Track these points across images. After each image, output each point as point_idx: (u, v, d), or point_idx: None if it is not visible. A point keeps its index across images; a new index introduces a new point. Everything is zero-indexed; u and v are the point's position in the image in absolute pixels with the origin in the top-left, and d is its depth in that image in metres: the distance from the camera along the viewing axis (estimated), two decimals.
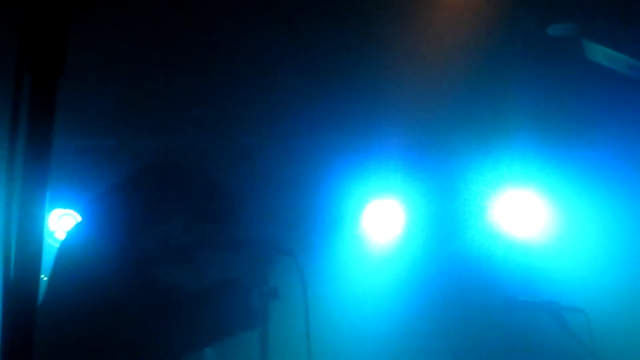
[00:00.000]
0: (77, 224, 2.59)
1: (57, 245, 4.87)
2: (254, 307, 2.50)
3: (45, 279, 2.40)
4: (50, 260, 2.40)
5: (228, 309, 2.46)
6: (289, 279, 2.61)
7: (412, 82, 3.99)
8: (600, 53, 3.72)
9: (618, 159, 4.50)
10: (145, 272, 2.44)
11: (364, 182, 4.78)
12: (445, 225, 4.82)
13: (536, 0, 3.51)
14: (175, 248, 2.54)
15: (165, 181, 2.60)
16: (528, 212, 4.69)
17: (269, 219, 4.50)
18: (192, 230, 2.56)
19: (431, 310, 4.71)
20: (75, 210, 4.76)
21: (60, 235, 4.73)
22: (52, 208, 4.75)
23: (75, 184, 4.65)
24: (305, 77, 4.14)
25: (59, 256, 2.44)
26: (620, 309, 4.32)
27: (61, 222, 4.75)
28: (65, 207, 4.75)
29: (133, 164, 4.68)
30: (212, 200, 2.62)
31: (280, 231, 4.67)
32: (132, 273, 2.36)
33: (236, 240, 2.62)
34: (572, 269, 4.52)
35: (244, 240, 2.61)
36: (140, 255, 2.44)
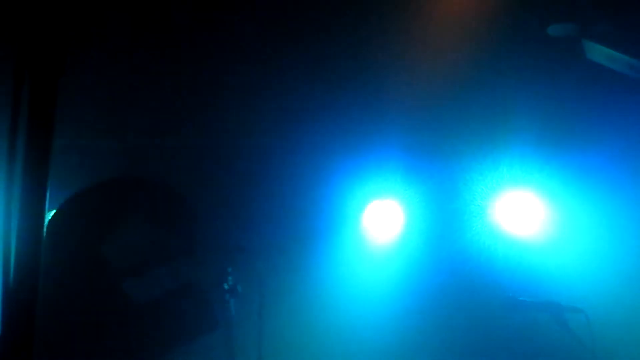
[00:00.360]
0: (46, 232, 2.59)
1: None
2: (212, 309, 2.51)
3: None
4: None
5: (185, 314, 2.47)
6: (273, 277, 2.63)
7: (412, 83, 3.99)
8: (600, 53, 3.72)
9: (618, 158, 4.50)
10: (104, 280, 2.44)
11: (364, 182, 4.78)
12: (444, 225, 4.81)
13: (536, 0, 3.50)
14: (132, 256, 2.54)
15: (121, 192, 2.61)
16: (528, 212, 4.69)
17: (269, 219, 4.51)
18: (147, 238, 2.56)
19: (430, 310, 4.71)
20: None
21: None
22: (51, 208, 4.75)
23: (75, 184, 4.64)
24: (307, 80, 4.14)
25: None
26: (620, 309, 4.32)
27: None
28: None
29: (133, 164, 4.72)
30: (166, 207, 2.62)
31: (282, 230, 4.68)
32: (92, 280, 2.37)
33: (190, 245, 2.62)
34: (573, 269, 4.52)
35: (196, 244, 2.61)
36: (100, 263, 2.45)
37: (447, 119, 4.51)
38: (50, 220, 2.54)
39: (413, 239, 4.82)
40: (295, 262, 4.64)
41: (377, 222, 4.83)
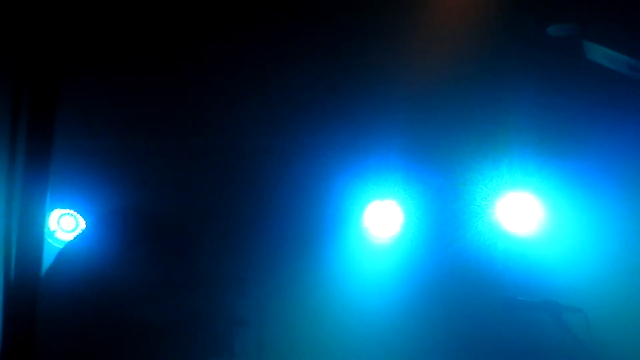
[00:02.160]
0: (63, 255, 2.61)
1: (57, 245, 4.89)
2: (219, 338, 2.51)
3: None
4: (50, 260, 2.42)
5: (194, 343, 2.48)
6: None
7: (412, 83, 3.99)
8: (600, 53, 3.72)
9: (618, 159, 4.50)
10: (119, 307, 2.45)
11: (365, 183, 4.79)
12: (444, 226, 4.82)
13: (536, 0, 3.50)
14: (144, 284, 2.55)
15: (131, 221, 2.62)
16: (528, 212, 4.69)
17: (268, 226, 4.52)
18: (157, 266, 2.57)
19: (430, 309, 4.71)
20: (76, 210, 4.77)
21: (61, 235, 4.74)
22: (52, 208, 4.76)
23: (76, 184, 4.65)
24: (307, 80, 4.14)
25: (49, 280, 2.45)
26: (619, 309, 4.32)
27: (61, 222, 4.75)
28: (65, 207, 4.76)
29: (133, 164, 4.72)
30: (170, 238, 2.64)
31: (282, 230, 4.69)
32: (100, 309, 2.38)
33: (198, 275, 2.63)
34: (572, 269, 4.52)
35: (205, 274, 2.63)
36: (116, 291, 2.46)
37: (447, 119, 4.51)
38: (60, 254, 2.54)
39: (413, 239, 4.83)
40: (295, 262, 4.65)
41: (378, 222, 4.84)
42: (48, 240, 4.64)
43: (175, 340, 2.47)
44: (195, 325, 2.51)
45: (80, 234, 2.63)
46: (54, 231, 4.72)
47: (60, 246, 4.75)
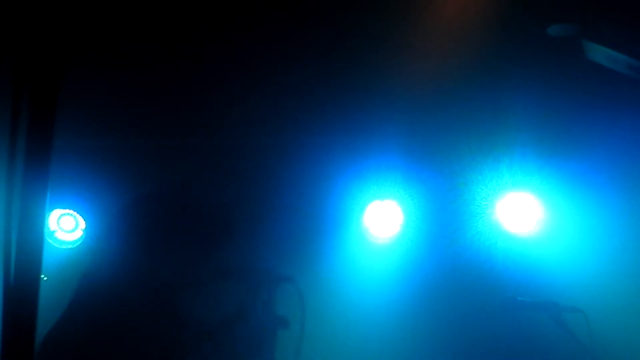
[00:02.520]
0: (101, 246, 2.55)
1: (57, 245, 4.87)
2: (263, 338, 2.47)
3: (46, 279, 2.39)
4: (51, 260, 2.40)
5: (240, 342, 2.44)
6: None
7: (412, 83, 3.99)
8: (600, 53, 3.72)
9: (618, 159, 4.50)
10: (166, 301, 2.40)
11: (365, 183, 4.79)
12: (444, 226, 4.82)
13: (536, 0, 3.50)
14: (188, 276, 2.50)
15: (170, 209, 2.56)
16: (528, 212, 4.69)
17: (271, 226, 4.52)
18: (200, 257, 2.52)
19: (429, 309, 4.72)
20: (76, 210, 4.76)
21: (60, 235, 4.74)
22: (52, 208, 4.76)
23: (75, 184, 4.65)
24: (307, 81, 4.14)
25: (84, 279, 2.41)
26: (619, 309, 4.32)
27: (61, 222, 4.75)
28: (65, 207, 4.76)
29: (133, 164, 4.72)
30: (214, 225, 2.59)
31: (282, 230, 4.69)
32: (154, 301, 2.34)
33: (238, 268, 2.58)
34: (571, 269, 4.52)
35: (245, 268, 2.58)
36: (161, 283, 2.42)
37: (447, 120, 4.51)
38: (99, 240, 2.50)
39: (413, 239, 4.83)
40: (295, 262, 4.65)
41: (378, 222, 4.85)
42: (48, 240, 4.64)
43: (219, 341, 2.44)
44: (243, 322, 2.47)
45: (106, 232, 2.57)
46: (53, 231, 4.72)
47: (60, 246, 4.76)
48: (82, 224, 4.77)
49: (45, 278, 2.35)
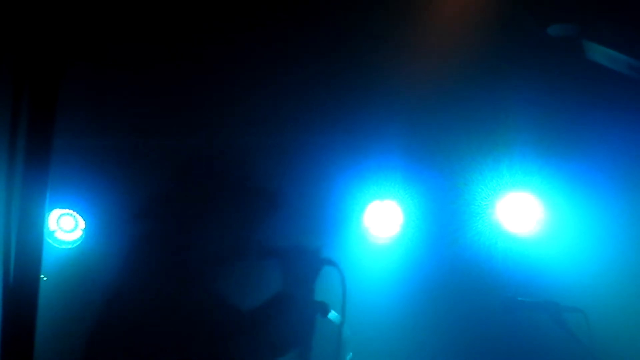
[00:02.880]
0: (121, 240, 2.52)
1: (57, 245, 4.87)
2: (303, 323, 2.43)
3: (45, 279, 2.38)
4: (50, 260, 2.39)
5: (280, 327, 2.38)
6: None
7: (412, 82, 3.99)
8: (600, 53, 3.72)
9: (618, 159, 4.50)
10: (190, 288, 2.35)
11: (365, 183, 4.79)
12: (444, 226, 4.82)
13: (536, 0, 3.50)
14: (215, 257, 2.46)
15: (201, 184, 2.52)
16: (528, 213, 4.69)
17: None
18: (230, 236, 2.47)
19: (429, 309, 4.71)
20: (75, 210, 4.76)
21: (60, 235, 4.74)
22: (51, 208, 4.75)
23: (75, 184, 4.65)
24: (307, 81, 4.14)
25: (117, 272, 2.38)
26: (619, 309, 4.32)
27: (61, 222, 4.75)
28: (64, 207, 4.75)
29: (133, 164, 4.72)
30: (248, 203, 2.54)
31: (283, 230, 4.68)
32: (178, 290, 2.30)
33: (279, 248, 2.53)
34: (571, 269, 4.52)
35: (287, 248, 2.52)
36: (184, 269, 2.37)
37: (447, 119, 4.51)
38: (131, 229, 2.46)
39: (413, 239, 4.83)
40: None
41: (378, 222, 4.85)
42: (47, 240, 4.64)
43: (262, 318, 2.38)
44: (278, 310, 2.42)
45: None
46: (53, 231, 4.72)
47: (60, 246, 4.75)
48: (82, 224, 4.76)
49: (44, 278, 2.35)
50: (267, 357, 2.40)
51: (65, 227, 4.74)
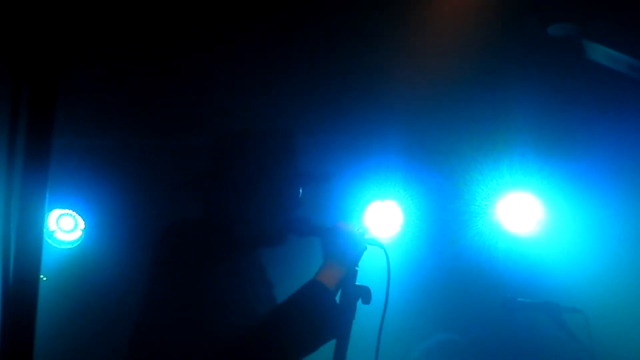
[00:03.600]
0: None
1: (56, 246, 4.86)
2: (344, 308, 2.38)
3: (45, 279, 2.38)
4: (50, 260, 2.39)
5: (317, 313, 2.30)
6: None
7: (412, 83, 3.99)
8: (600, 53, 3.72)
9: (618, 159, 4.50)
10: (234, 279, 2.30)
11: (365, 183, 4.79)
12: (444, 226, 4.82)
13: (536, 0, 3.50)
14: (265, 233, 2.42)
15: (249, 159, 2.49)
16: (528, 213, 4.69)
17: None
18: (279, 214, 2.44)
19: (429, 310, 4.71)
20: (75, 210, 4.76)
21: (60, 235, 4.74)
22: (51, 208, 4.75)
23: (75, 184, 4.65)
24: (307, 81, 4.14)
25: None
26: (619, 310, 4.32)
27: (60, 222, 4.75)
28: (64, 207, 4.75)
29: (133, 164, 4.72)
30: (297, 180, 2.51)
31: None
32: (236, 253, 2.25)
33: (325, 227, 2.49)
34: (571, 269, 4.52)
35: (331, 226, 2.48)
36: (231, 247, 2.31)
37: (447, 119, 4.51)
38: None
39: (413, 239, 4.83)
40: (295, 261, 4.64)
41: (378, 222, 4.85)
42: (47, 240, 4.64)
43: (288, 318, 2.30)
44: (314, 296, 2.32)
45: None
46: (52, 231, 4.72)
47: (59, 246, 4.75)
48: (82, 224, 4.76)
49: (44, 278, 2.34)
50: (303, 347, 2.32)
51: (64, 227, 4.74)
